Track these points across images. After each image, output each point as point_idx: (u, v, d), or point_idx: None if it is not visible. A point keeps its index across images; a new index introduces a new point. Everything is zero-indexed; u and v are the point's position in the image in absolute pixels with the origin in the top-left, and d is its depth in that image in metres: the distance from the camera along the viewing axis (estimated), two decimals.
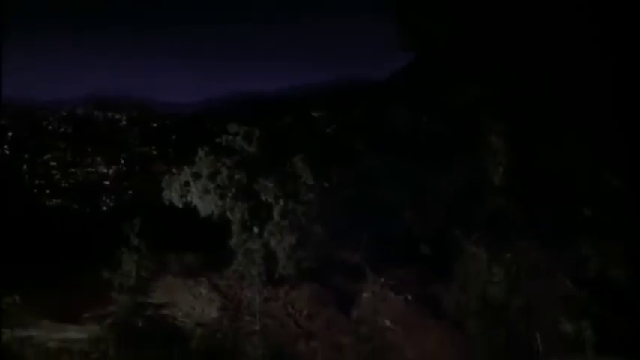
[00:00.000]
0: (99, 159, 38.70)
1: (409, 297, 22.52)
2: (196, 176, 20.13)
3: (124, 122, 39.58)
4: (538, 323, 13.55)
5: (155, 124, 38.79)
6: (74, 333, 17.87)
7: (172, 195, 20.32)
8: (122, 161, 38.26)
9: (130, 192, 34.88)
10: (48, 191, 37.28)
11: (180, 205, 20.21)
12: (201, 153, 20.35)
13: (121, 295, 16.14)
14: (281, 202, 20.10)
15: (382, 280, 21.76)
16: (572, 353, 13.90)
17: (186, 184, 20.24)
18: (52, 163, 38.05)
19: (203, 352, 17.51)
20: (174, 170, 21.14)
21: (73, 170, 38.14)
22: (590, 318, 14.07)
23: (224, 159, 20.24)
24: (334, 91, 28.45)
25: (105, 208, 36.02)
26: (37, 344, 16.33)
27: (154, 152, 37.80)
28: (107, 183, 37.92)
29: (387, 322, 21.10)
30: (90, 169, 38.25)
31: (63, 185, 37.80)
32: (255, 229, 20.17)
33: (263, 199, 20.21)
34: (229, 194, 20.04)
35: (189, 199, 20.25)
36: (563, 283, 14.21)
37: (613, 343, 14.42)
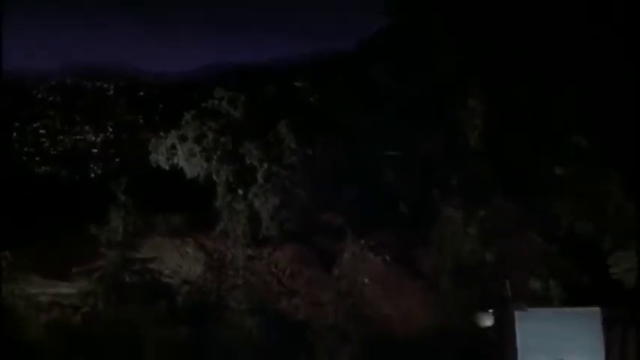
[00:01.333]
0: (87, 127, 38.41)
1: (388, 258, 22.90)
2: (182, 139, 20.13)
3: (111, 91, 39.27)
4: (510, 279, 13.84)
5: (142, 93, 38.48)
6: (64, 288, 18.01)
7: (159, 157, 20.33)
8: (110, 129, 38.01)
9: (117, 159, 34.69)
10: (37, 158, 37.04)
11: (167, 167, 20.22)
12: (187, 116, 20.33)
13: (109, 250, 16.23)
14: (265, 166, 20.21)
15: (362, 242, 22.06)
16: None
17: (173, 146, 20.25)
18: (41, 131, 37.74)
19: (189, 307, 17.73)
20: (161, 133, 21.08)
21: (61, 138, 37.88)
22: (559, 274, 14.44)
23: (210, 123, 20.25)
24: (317, 61, 28.36)
25: (93, 175, 35.84)
26: (28, 297, 16.38)
27: (141, 120, 37.55)
28: (95, 150, 37.69)
29: (366, 281, 21.48)
30: (78, 137, 38.01)
31: (52, 152, 37.56)
32: (240, 191, 20.27)
33: (248, 162, 20.30)
34: (215, 157, 20.09)
35: (175, 161, 20.27)
36: (535, 240, 14.55)
37: (579, 298, 14.81)
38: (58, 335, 15.75)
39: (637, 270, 19.59)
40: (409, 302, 21.23)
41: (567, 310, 11.08)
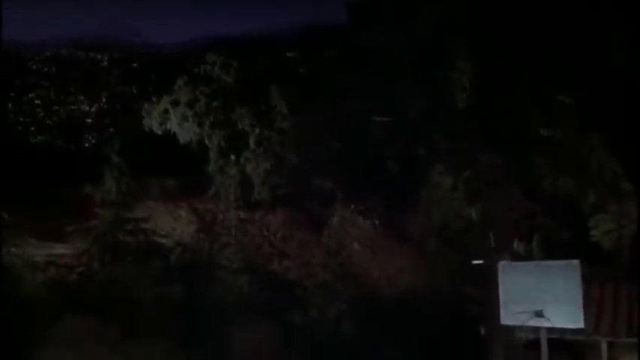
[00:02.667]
0: (81, 97, 38.09)
1: (376, 222, 23.04)
2: (175, 104, 20.00)
3: (105, 62, 38.86)
4: (494, 237, 13.91)
5: (135, 64, 38.11)
6: (60, 249, 18.01)
7: (152, 122, 20.23)
8: (104, 99, 37.71)
9: (111, 129, 34.50)
10: (33, 128, 36.78)
11: (160, 132, 20.10)
12: (180, 82, 20.15)
13: (102, 210, 16.21)
14: (257, 131, 20.16)
15: (352, 206, 22.15)
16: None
17: (166, 111, 20.13)
18: (36, 102, 37.43)
19: (182, 266, 17.80)
20: (153, 99, 20.92)
21: (56, 108, 37.59)
22: (541, 234, 14.56)
23: (202, 87, 20.11)
24: (307, 32, 28.07)
25: (87, 145, 35.68)
26: (25, 257, 16.38)
27: (135, 91, 37.24)
28: (89, 120, 37.45)
29: (355, 245, 21.62)
30: (73, 107, 37.73)
31: (47, 122, 37.30)
32: (232, 156, 20.21)
33: (240, 127, 20.20)
34: (207, 122, 20.02)
35: (168, 126, 20.16)
36: (519, 200, 14.64)
37: (559, 258, 14.90)
38: (54, 292, 15.80)
39: (617, 232, 19.86)
40: (397, 264, 21.42)
41: (548, 262, 11.14)
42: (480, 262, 12.34)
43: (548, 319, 11.09)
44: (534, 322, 11.32)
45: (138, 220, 17.35)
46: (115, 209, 16.23)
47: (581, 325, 11.21)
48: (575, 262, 11.10)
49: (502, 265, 11.91)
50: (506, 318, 11.78)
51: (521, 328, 15.76)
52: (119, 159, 16.69)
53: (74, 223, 17.40)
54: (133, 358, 14.97)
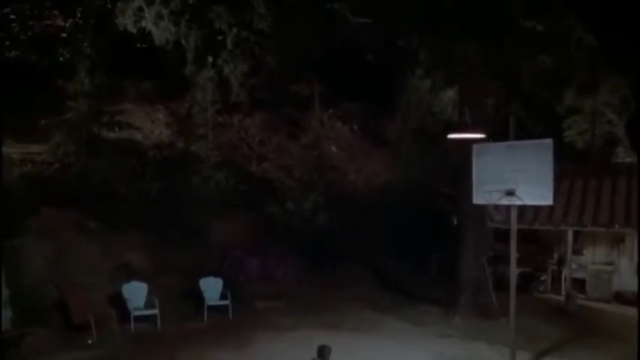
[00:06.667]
0: (56, 12, 36.30)
1: (355, 127, 22.81)
2: (150, 1, 18.88)
3: None
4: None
5: None
6: (36, 147, 17.47)
7: (126, 21, 19.12)
8: (78, 15, 35.97)
9: (85, 43, 33.07)
10: (7, 43, 35.22)
11: (134, 31, 19.09)
12: None
13: (76, 101, 15.62)
14: (234, 31, 19.24)
15: (330, 111, 21.80)
16: None
17: (140, 9, 19.02)
18: (11, 17, 35.63)
19: (159, 162, 17.47)
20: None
21: (31, 23, 35.93)
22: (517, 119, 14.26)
23: None
24: None
25: (61, 59, 34.27)
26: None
27: (109, 5, 35.46)
28: (64, 35, 35.88)
29: (333, 149, 21.43)
30: (48, 22, 36.09)
31: (21, 37, 35.72)
32: (210, 57, 19.44)
33: (217, 26, 19.26)
34: (183, 20, 18.98)
35: (143, 24, 19.12)
36: (496, 85, 14.33)
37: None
38: (31, 186, 15.39)
39: (590, 132, 19.96)
40: (374, 167, 21.38)
41: (521, 142, 10.97)
42: (456, 136, 12.10)
43: (520, 198, 11.05)
44: (506, 201, 11.28)
45: (113, 113, 16.79)
46: (89, 101, 15.60)
47: (550, 202, 11.21)
48: (548, 140, 10.96)
49: (476, 147, 11.76)
50: (479, 198, 11.74)
51: (492, 219, 16.01)
52: (91, 50, 15.91)
53: (47, 117, 16.78)
54: (112, 247, 14.87)
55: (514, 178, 11.09)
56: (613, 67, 14.63)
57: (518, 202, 11.17)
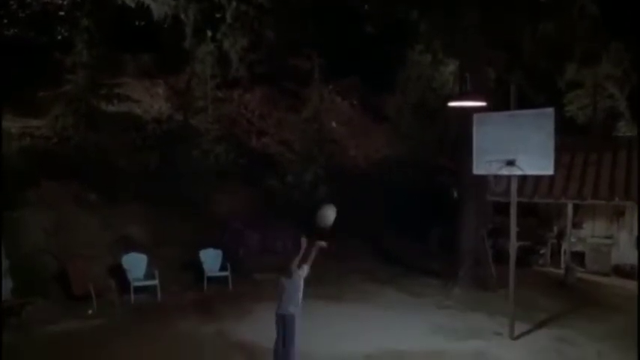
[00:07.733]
0: None
1: (354, 102, 22.60)
2: None
3: None
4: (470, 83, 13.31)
5: None
6: (35, 121, 17.29)
7: None
8: None
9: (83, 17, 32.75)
10: (5, 21, 34.80)
11: (133, 5, 18.80)
12: None
13: (74, 74, 15.41)
14: (234, 4, 18.98)
15: (330, 86, 21.59)
16: None
17: None
18: None
19: (159, 136, 17.32)
20: None
21: (29, 1, 35.48)
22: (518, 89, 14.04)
23: None
24: None
25: (59, 37, 33.92)
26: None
27: None
28: (62, 13, 35.45)
29: (333, 124, 21.25)
30: (46, 0, 35.62)
31: (20, 15, 35.26)
32: (209, 32, 19.18)
33: (216, 0, 19.00)
34: None
35: None
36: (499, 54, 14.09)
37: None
38: (30, 160, 15.25)
39: (591, 106, 19.75)
40: (374, 143, 21.21)
41: (522, 112, 10.78)
42: (457, 104, 11.91)
43: (520, 168, 10.91)
44: (506, 171, 11.14)
45: (112, 86, 16.58)
46: (87, 73, 15.38)
47: (551, 172, 11.07)
48: (550, 110, 10.79)
49: (476, 116, 11.58)
50: (479, 168, 11.59)
51: (493, 192, 15.86)
52: (90, 22, 15.65)
53: (46, 90, 16.58)
54: (111, 220, 14.78)
55: (515, 148, 10.93)
56: (615, 37, 14.37)
57: (519, 172, 11.04)
